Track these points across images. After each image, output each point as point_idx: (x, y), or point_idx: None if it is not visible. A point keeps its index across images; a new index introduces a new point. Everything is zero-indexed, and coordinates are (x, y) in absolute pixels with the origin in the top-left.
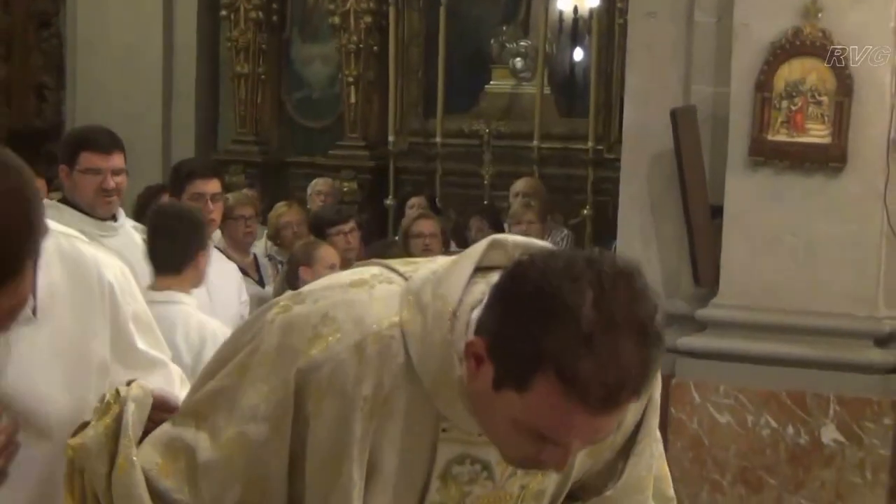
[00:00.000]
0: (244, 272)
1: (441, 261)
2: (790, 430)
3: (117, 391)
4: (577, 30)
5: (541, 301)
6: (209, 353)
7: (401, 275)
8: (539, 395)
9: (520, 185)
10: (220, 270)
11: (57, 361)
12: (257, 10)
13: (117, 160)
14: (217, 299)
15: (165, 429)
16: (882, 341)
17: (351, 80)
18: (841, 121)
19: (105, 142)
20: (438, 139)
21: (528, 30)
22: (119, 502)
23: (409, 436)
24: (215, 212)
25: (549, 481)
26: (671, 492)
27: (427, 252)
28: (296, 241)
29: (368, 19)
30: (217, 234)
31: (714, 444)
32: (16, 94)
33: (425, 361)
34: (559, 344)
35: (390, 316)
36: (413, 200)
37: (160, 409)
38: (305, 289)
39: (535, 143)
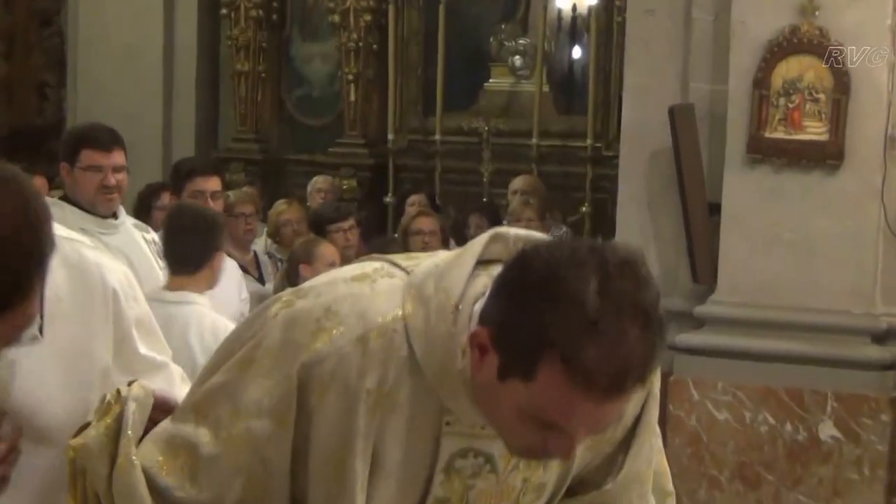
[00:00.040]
0: (244, 270)
1: (442, 255)
2: (788, 426)
3: (118, 391)
4: (575, 28)
5: (545, 289)
6: None
7: (402, 269)
8: (545, 384)
9: (519, 182)
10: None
11: (61, 369)
12: (257, 9)
13: (118, 157)
14: (217, 297)
15: (165, 426)
16: (879, 338)
17: (351, 78)
18: (838, 118)
19: (106, 139)
20: (438, 137)
21: (527, 28)
22: (120, 502)
23: (412, 429)
24: (215, 209)
25: (550, 474)
26: (670, 486)
27: (426, 249)
28: (296, 239)
29: (368, 18)
30: None
31: (712, 441)
32: (17, 92)
33: (428, 354)
34: (564, 331)
35: (393, 309)
36: (413, 198)
37: (161, 410)
38: (307, 284)
39: (533, 140)
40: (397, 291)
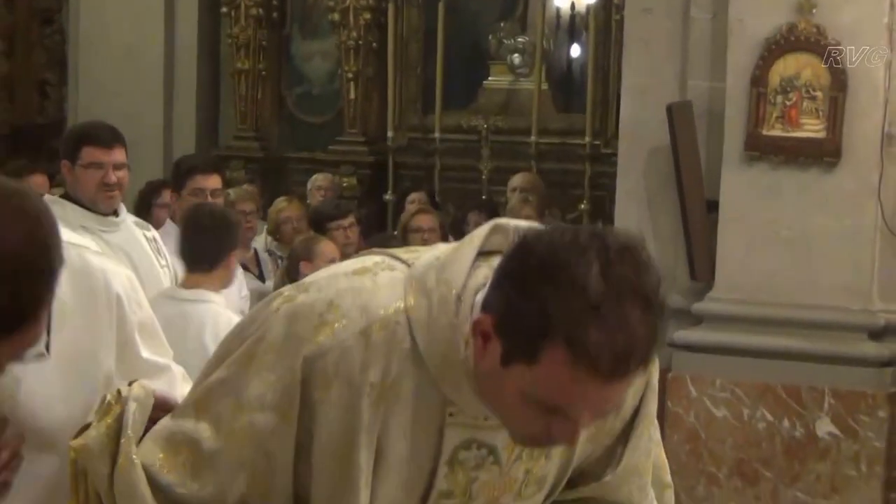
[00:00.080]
0: (244, 267)
1: (442, 247)
2: (786, 423)
3: (118, 391)
4: (574, 26)
5: (547, 274)
6: None
7: (403, 262)
8: (549, 367)
9: (517, 179)
10: None
11: (64, 375)
12: (258, 7)
13: (119, 154)
14: None
15: (166, 423)
16: (876, 334)
17: (350, 76)
18: (835, 116)
19: (106, 136)
20: (437, 135)
21: (526, 26)
22: (121, 501)
23: (416, 422)
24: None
25: (551, 466)
26: (668, 478)
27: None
28: (296, 237)
29: (368, 16)
30: None
31: (710, 438)
32: (18, 90)
33: (431, 346)
34: (568, 314)
35: (395, 302)
36: (413, 196)
37: (161, 409)
38: (308, 279)
39: (532, 138)
40: (398, 284)
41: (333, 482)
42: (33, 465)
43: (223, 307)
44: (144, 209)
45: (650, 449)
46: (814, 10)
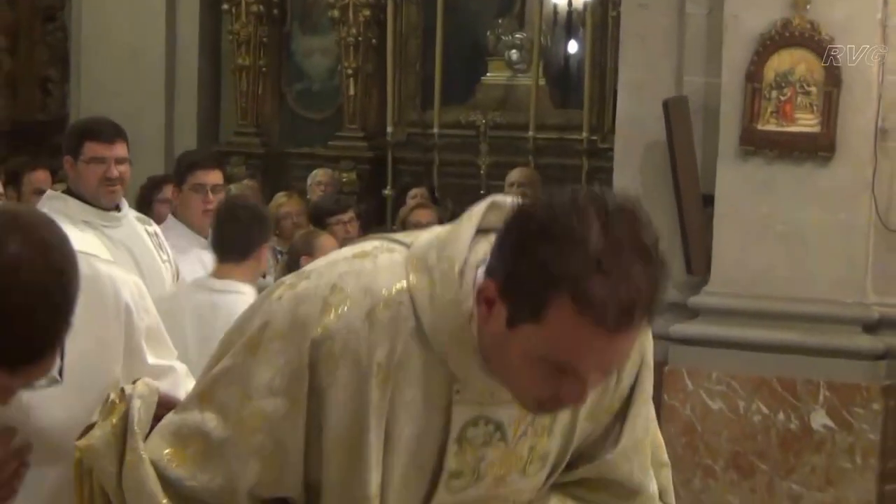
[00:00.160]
0: None
1: (439, 228)
2: (781, 415)
3: (122, 390)
4: (571, 22)
5: (548, 232)
6: None
7: (402, 243)
8: (555, 322)
9: (515, 174)
10: None
11: (72, 385)
12: (258, 4)
13: (120, 149)
14: None
15: (171, 418)
16: (871, 327)
17: (350, 72)
18: (829, 110)
19: (108, 132)
20: (436, 130)
21: (524, 22)
22: (131, 498)
23: (423, 401)
24: (215, 203)
25: (553, 443)
26: (665, 457)
27: None
28: (296, 231)
29: (367, 13)
30: None
31: (706, 430)
32: (21, 87)
33: (436, 322)
34: (571, 268)
35: (397, 282)
36: (414, 191)
37: (165, 407)
38: (309, 267)
39: (530, 133)
40: (399, 265)
41: (344, 464)
42: (39, 473)
43: (253, 298)
44: (146, 204)
45: (648, 426)
46: (808, 6)
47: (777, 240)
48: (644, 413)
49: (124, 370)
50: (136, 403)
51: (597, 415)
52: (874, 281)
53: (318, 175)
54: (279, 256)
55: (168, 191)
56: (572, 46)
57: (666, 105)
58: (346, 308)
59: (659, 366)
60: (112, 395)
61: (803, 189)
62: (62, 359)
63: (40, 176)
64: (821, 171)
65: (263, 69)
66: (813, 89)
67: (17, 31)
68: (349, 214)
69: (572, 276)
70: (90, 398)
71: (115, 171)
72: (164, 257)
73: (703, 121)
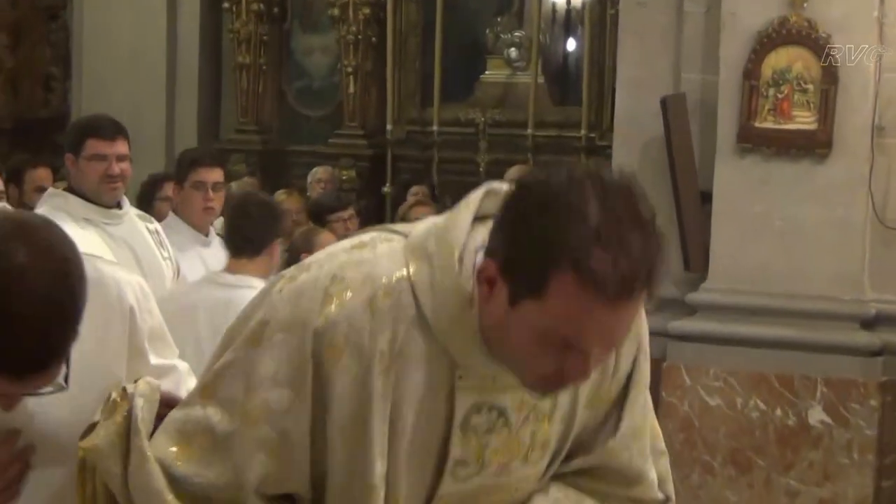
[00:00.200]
0: None
1: (435, 217)
2: (778, 411)
3: (124, 389)
4: (569, 20)
5: (547, 208)
6: None
7: (399, 233)
8: (557, 296)
9: (515, 172)
10: (223, 257)
11: (76, 388)
12: (259, 2)
13: (121, 147)
14: None
15: (174, 415)
16: (868, 324)
17: (350, 70)
18: (826, 108)
19: (109, 129)
20: (435, 128)
21: (523, 20)
22: (138, 497)
23: (426, 388)
24: (216, 200)
25: (553, 429)
26: (662, 445)
27: None
28: (295, 229)
29: (367, 11)
30: (219, 223)
31: (704, 427)
32: (23, 84)
33: (437, 309)
34: (571, 242)
35: (397, 270)
36: (415, 189)
37: (167, 406)
38: (307, 260)
39: (529, 131)
40: (398, 253)
41: (348, 453)
42: (42, 474)
43: None
44: (147, 202)
45: (646, 412)
46: (805, 4)
47: (775, 236)
48: (642, 400)
49: (127, 371)
50: (139, 402)
51: (596, 402)
52: (871, 277)
53: (318, 172)
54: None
55: (169, 188)
56: (571, 44)
57: (664, 102)
58: (347, 297)
59: (657, 362)
60: (114, 395)
61: (800, 186)
62: (68, 366)
63: (42, 173)
64: (818, 168)
65: (264, 67)
66: (810, 87)
67: (19, 30)
68: (349, 212)
69: (572, 249)
70: (94, 400)
71: (116, 169)
72: (165, 255)
73: (700, 118)
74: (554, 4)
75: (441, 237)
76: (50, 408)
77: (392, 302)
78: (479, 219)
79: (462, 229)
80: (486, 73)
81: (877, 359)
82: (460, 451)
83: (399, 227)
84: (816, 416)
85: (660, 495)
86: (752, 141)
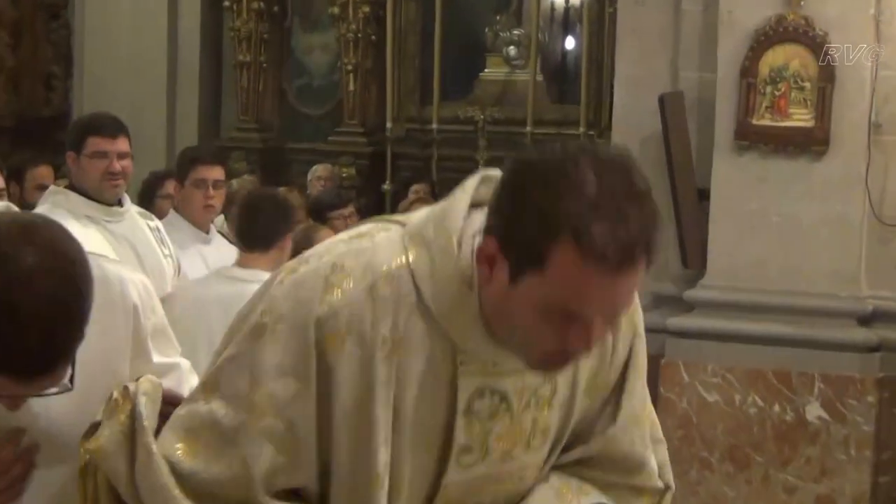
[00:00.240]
0: None
1: (432, 206)
2: (776, 408)
3: (125, 387)
4: (568, 19)
5: (545, 181)
6: None
7: (397, 222)
8: (558, 268)
9: None
10: (224, 254)
11: (80, 388)
12: (259, 1)
13: (122, 144)
14: None
15: (179, 412)
16: (865, 320)
17: (350, 68)
18: (823, 105)
19: (110, 126)
20: (434, 125)
21: (521, 19)
22: (145, 493)
23: (429, 374)
24: (216, 198)
25: (553, 416)
26: (660, 434)
27: None
28: (296, 226)
29: (367, 9)
30: (220, 220)
31: (702, 423)
32: (25, 83)
33: (438, 294)
34: (570, 213)
35: (396, 257)
36: (416, 187)
37: (169, 403)
38: (307, 252)
39: (528, 128)
40: (397, 242)
41: (353, 443)
42: (46, 473)
43: None
44: (148, 200)
45: (645, 398)
46: (802, 2)
47: (772, 233)
48: (641, 385)
49: (131, 370)
50: (142, 400)
51: (595, 390)
52: (868, 274)
53: (318, 170)
54: None
55: (170, 186)
56: (569, 43)
57: (662, 100)
58: (347, 285)
59: (655, 359)
60: (115, 394)
61: (798, 183)
62: (73, 367)
63: (43, 172)
64: (815, 165)
65: (264, 65)
66: (807, 84)
67: (20, 28)
68: (349, 209)
69: (572, 220)
70: (97, 399)
71: (117, 166)
72: (166, 252)
73: (698, 116)
74: (552, 3)
75: (439, 223)
76: (54, 406)
77: (392, 289)
78: (474, 206)
79: (459, 215)
80: (485, 71)
81: (874, 355)
82: (464, 437)
83: (397, 217)
84: (814, 412)
85: (660, 484)
86: (750, 138)
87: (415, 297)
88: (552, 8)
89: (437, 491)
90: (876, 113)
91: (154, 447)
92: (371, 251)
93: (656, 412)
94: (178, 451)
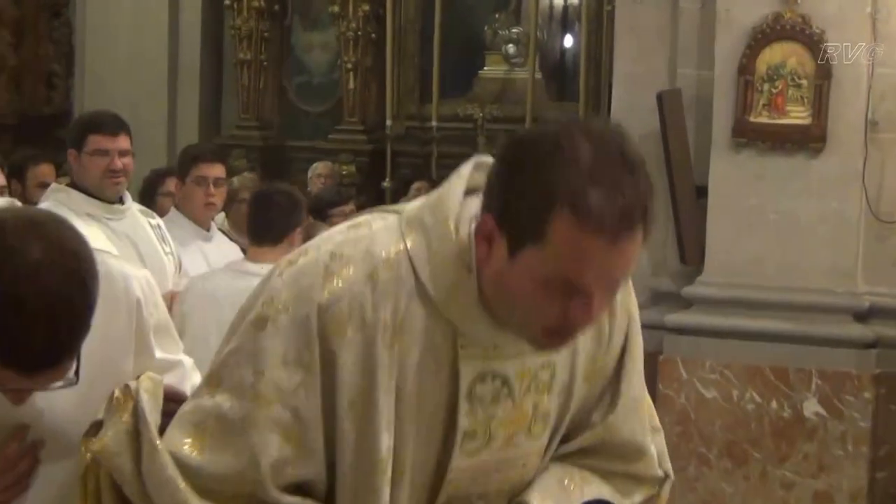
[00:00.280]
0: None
1: (426, 195)
2: (774, 404)
3: (126, 386)
4: (566, 17)
5: (541, 154)
6: None
7: (393, 212)
8: (557, 238)
9: None
10: (225, 251)
11: (86, 385)
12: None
13: (123, 142)
14: None
15: (184, 409)
16: (861, 316)
17: (350, 66)
18: (820, 103)
19: (111, 124)
20: (434, 123)
21: (520, 17)
22: (152, 487)
23: (429, 359)
24: (217, 196)
25: (553, 402)
26: (657, 422)
27: None
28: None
29: (366, 8)
30: (220, 217)
31: (701, 419)
32: (26, 81)
33: (436, 278)
34: (567, 184)
35: (395, 244)
36: (417, 184)
37: (171, 400)
38: (305, 245)
39: (527, 126)
40: (394, 229)
41: (357, 430)
42: (51, 468)
43: None
44: (149, 197)
45: (643, 383)
46: (798, 0)
47: (769, 230)
48: (638, 372)
49: (134, 365)
50: (144, 397)
51: (593, 376)
52: (865, 270)
53: (319, 168)
54: None
55: (171, 184)
56: (568, 41)
57: (660, 98)
58: (347, 272)
59: (653, 355)
60: (117, 392)
61: (795, 180)
62: (78, 361)
63: (44, 169)
64: (812, 162)
65: (264, 63)
66: (804, 82)
67: (22, 27)
68: (350, 206)
69: (569, 190)
70: (101, 394)
71: (118, 163)
72: (167, 250)
73: (696, 113)
74: (551, 1)
75: (435, 209)
76: (58, 402)
77: (392, 275)
78: (470, 192)
79: (455, 200)
80: (485, 69)
81: (870, 351)
82: (468, 421)
83: (393, 207)
84: (811, 408)
85: (660, 472)
86: (747, 136)
87: (414, 283)
88: (551, 6)
89: (442, 479)
90: (872, 110)
91: (158, 442)
92: (369, 239)
93: (655, 408)
94: (186, 447)
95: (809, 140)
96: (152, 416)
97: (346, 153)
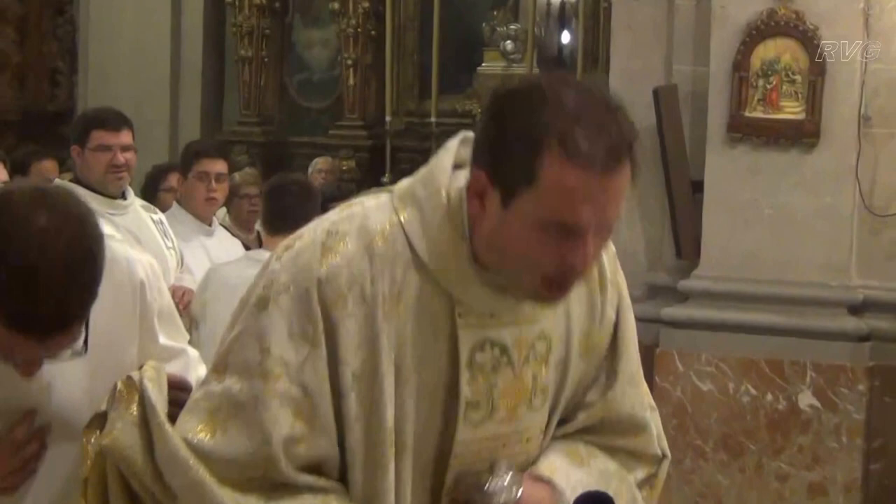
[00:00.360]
0: (248, 248)
1: (416, 171)
2: (769, 396)
3: (129, 377)
4: (564, 13)
5: (525, 101)
6: None
7: (385, 190)
8: (548, 179)
9: None
10: (226, 246)
11: (92, 370)
12: None
13: (126, 137)
14: None
15: (194, 396)
16: (855, 309)
17: (350, 63)
18: (814, 98)
19: (114, 120)
20: (433, 119)
21: (518, 14)
22: (169, 475)
23: (428, 329)
24: (219, 191)
25: (550, 376)
26: (652, 401)
27: None
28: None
29: (366, 5)
30: (222, 212)
31: (697, 412)
32: (30, 78)
33: (431, 246)
34: (553, 124)
35: (388, 218)
36: None
37: (175, 388)
38: (300, 230)
39: None
40: (387, 205)
41: (363, 403)
42: (58, 451)
43: None
44: (151, 193)
45: (638, 358)
46: None
47: (764, 224)
48: (633, 348)
49: (139, 351)
50: (148, 386)
51: (588, 352)
52: (858, 264)
53: (319, 163)
54: None
55: (173, 179)
56: (565, 37)
57: (656, 93)
58: (344, 246)
59: (650, 348)
60: (119, 384)
61: (789, 175)
62: (87, 330)
63: (47, 165)
64: (806, 157)
65: (266, 60)
66: (798, 78)
67: (26, 24)
68: None
69: (556, 131)
70: (109, 378)
71: (121, 158)
72: (169, 245)
73: (691, 109)
74: None
75: (426, 181)
76: (64, 386)
77: (388, 247)
78: (457, 167)
79: (445, 171)
80: (483, 65)
81: (864, 344)
82: (470, 391)
83: (384, 188)
84: (806, 400)
85: (658, 451)
86: (742, 131)
87: (410, 254)
88: (548, 3)
89: (448, 455)
90: (866, 106)
91: (167, 425)
92: (363, 215)
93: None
94: (199, 432)
95: (803, 135)
96: (159, 403)
97: (346, 149)
